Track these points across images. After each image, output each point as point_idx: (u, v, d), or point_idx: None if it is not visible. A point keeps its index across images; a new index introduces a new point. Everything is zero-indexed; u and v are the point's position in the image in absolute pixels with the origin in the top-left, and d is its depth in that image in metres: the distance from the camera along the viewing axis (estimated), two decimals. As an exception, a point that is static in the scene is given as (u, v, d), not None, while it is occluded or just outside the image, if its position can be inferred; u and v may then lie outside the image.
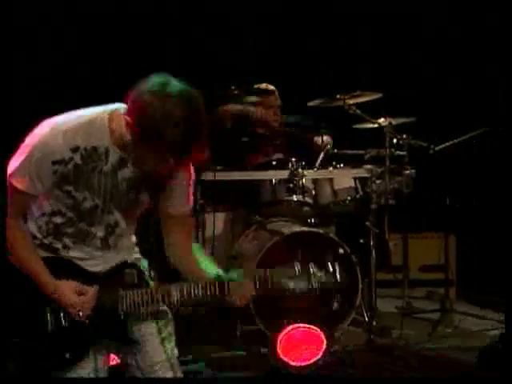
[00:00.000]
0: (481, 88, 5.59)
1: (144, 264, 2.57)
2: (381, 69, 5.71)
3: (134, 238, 2.56)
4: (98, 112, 2.32)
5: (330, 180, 4.92)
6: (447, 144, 4.92)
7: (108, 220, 2.39)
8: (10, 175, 2.28)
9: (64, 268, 2.38)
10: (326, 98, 4.94)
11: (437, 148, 4.90)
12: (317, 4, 5.78)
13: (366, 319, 4.68)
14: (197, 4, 5.67)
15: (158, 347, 2.47)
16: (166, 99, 2.15)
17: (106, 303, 2.35)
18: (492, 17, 5.34)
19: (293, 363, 3.93)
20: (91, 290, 2.36)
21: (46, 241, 2.39)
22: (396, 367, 4.02)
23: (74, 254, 2.40)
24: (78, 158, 2.28)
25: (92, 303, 2.35)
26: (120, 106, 2.30)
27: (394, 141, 4.79)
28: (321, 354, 3.94)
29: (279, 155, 5.12)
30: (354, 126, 5.09)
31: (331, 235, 4.66)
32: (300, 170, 4.73)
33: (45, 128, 2.29)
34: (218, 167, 4.81)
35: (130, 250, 2.52)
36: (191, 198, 2.49)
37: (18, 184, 2.29)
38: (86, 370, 2.39)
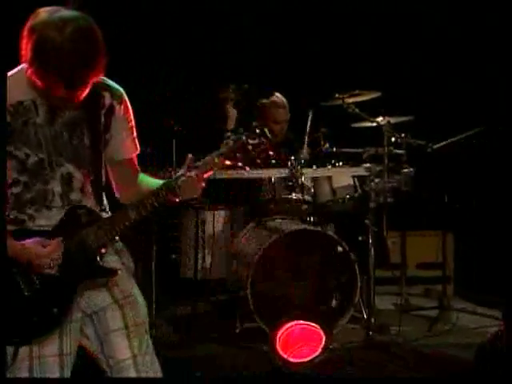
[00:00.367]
0: (478, 87, 5.59)
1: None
2: (379, 68, 5.70)
3: (104, 202, 2.47)
4: (20, 67, 2.26)
5: (329, 178, 4.94)
6: (445, 143, 4.94)
7: (61, 172, 2.34)
8: None
9: (32, 236, 2.34)
10: (325, 97, 4.96)
11: (435, 147, 4.92)
12: (316, 4, 5.77)
13: (365, 316, 4.70)
14: (197, 5, 5.68)
15: (122, 343, 2.39)
16: (48, 25, 2.11)
17: (71, 247, 2.33)
18: (491, 17, 5.36)
19: (292, 360, 3.94)
20: (55, 240, 2.32)
21: (11, 215, 2.34)
22: (394, 364, 4.04)
23: (40, 222, 2.35)
24: (6, 116, 2.25)
25: (59, 251, 2.31)
26: None
27: (393, 139, 4.79)
28: (320, 350, 3.95)
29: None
30: (353, 125, 5.09)
31: (330, 233, 4.68)
32: (299, 168, 4.73)
33: None
34: None
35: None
36: (135, 141, 2.46)
37: None
38: (50, 348, 2.34)
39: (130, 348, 2.38)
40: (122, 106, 2.39)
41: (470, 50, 5.66)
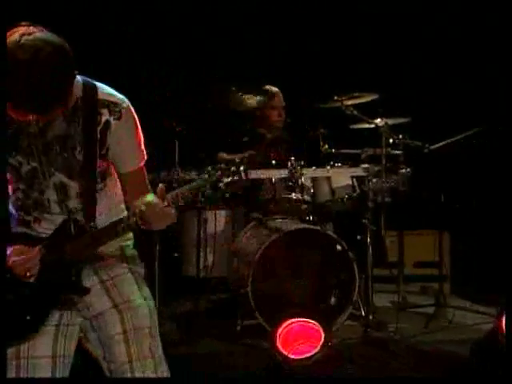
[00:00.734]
0: (475, 90, 5.62)
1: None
2: (377, 71, 5.73)
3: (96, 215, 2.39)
4: None
5: (328, 179, 4.97)
6: (441, 144, 4.97)
7: (53, 181, 2.33)
8: None
9: (35, 243, 2.35)
10: (324, 99, 4.99)
11: (431, 147, 4.95)
12: (315, 8, 5.80)
13: (363, 313, 4.72)
14: (197, 5, 5.69)
15: (121, 348, 2.37)
16: (10, 49, 2.07)
17: (51, 259, 2.31)
18: (491, 17, 5.32)
19: (292, 356, 3.95)
20: (33, 250, 2.31)
21: (19, 216, 2.37)
22: (391, 360, 4.07)
23: (45, 225, 2.36)
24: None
25: (34, 261, 2.30)
26: None
27: (390, 140, 4.84)
28: (319, 347, 3.96)
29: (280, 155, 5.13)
30: (352, 127, 5.12)
31: (329, 232, 4.69)
32: (299, 168, 4.75)
33: None
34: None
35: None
36: (137, 152, 2.39)
37: None
38: (42, 349, 2.34)
39: (127, 353, 2.36)
40: (121, 121, 2.33)
41: (465, 53, 5.70)
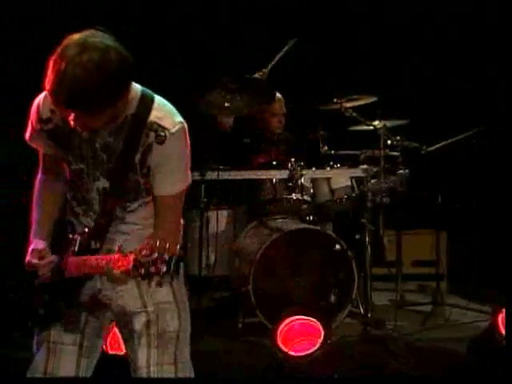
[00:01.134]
0: (474, 90, 5.64)
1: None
2: (376, 74, 5.74)
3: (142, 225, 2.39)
4: None
5: (328, 179, 5.01)
6: (438, 145, 5.00)
7: (98, 186, 2.34)
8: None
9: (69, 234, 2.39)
10: (324, 101, 5.03)
11: (429, 149, 4.99)
12: (315, 11, 5.82)
13: (362, 311, 4.75)
14: (197, 5, 5.70)
15: (141, 351, 2.39)
16: (64, 53, 2.08)
17: (55, 268, 2.34)
18: (490, 18, 5.38)
19: (292, 353, 3.97)
20: (50, 258, 2.35)
21: (71, 205, 2.42)
22: (389, 357, 4.06)
23: (89, 222, 2.39)
24: (56, 119, 2.28)
25: (47, 268, 2.34)
26: None
27: (389, 142, 4.86)
28: (319, 344, 3.98)
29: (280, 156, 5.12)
30: (350, 128, 5.15)
31: (328, 232, 4.73)
32: (299, 169, 4.79)
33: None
34: (221, 167, 4.86)
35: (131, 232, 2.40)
36: (172, 179, 2.33)
37: (33, 145, 2.43)
38: (69, 337, 2.41)
39: (146, 358, 2.38)
40: (162, 147, 2.26)
41: (464, 54, 5.73)
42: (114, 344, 3.63)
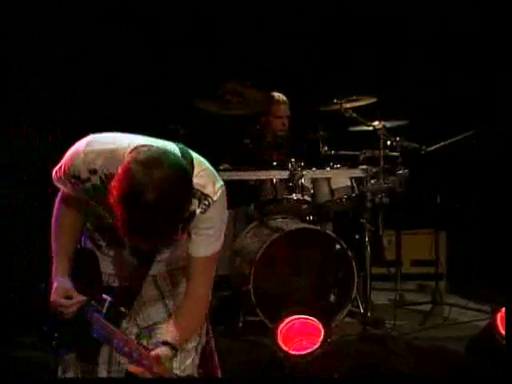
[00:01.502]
0: (474, 90, 5.66)
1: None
2: (375, 75, 5.76)
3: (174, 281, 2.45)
4: (124, 145, 2.18)
5: (328, 180, 5.01)
6: (438, 145, 5.01)
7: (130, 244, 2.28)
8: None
9: (93, 267, 2.39)
10: (325, 102, 5.05)
11: (428, 149, 5.00)
12: (315, 12, 5.82)
13: (361, 311, 4.77)
14: (199, 6, 5.71)
15: None
16: (134, 175, 1.99)
17: (79, 316, 2.33)
18: (490, 18, 5.39)
19: (293, 352, 3.96)
20: (77, 299, 2.33)
21: (93, 235, 2.41)
22: (388, 356, 4.03)
23: (110, 253, 2.41)
24: (95, 180, 2.21)
25: (71, 310, 2.32)
26: (150, 146, 2.13)
27: (388, 142, 4.88)
28: (319, 343, 3.97)
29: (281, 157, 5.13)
30: (350, 129, 5.17)
31: (328, 232, 4.73)
32: (299, 170, 4.80)
33: (80, 143, 2.25)
34: (222, 167, 4.89)
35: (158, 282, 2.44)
36: (206, 243, 2.32)
37: (58, 186, 2.36)
38: (101, 357, 2.42)
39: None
40: (205, 214, 2.26)
41: (464, 54, 5.73)
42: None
